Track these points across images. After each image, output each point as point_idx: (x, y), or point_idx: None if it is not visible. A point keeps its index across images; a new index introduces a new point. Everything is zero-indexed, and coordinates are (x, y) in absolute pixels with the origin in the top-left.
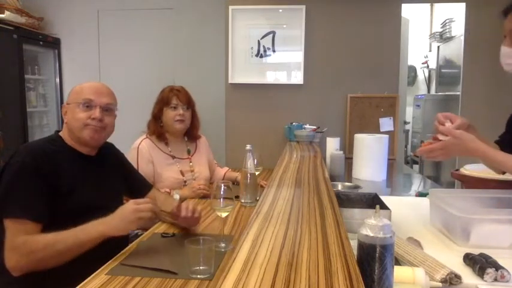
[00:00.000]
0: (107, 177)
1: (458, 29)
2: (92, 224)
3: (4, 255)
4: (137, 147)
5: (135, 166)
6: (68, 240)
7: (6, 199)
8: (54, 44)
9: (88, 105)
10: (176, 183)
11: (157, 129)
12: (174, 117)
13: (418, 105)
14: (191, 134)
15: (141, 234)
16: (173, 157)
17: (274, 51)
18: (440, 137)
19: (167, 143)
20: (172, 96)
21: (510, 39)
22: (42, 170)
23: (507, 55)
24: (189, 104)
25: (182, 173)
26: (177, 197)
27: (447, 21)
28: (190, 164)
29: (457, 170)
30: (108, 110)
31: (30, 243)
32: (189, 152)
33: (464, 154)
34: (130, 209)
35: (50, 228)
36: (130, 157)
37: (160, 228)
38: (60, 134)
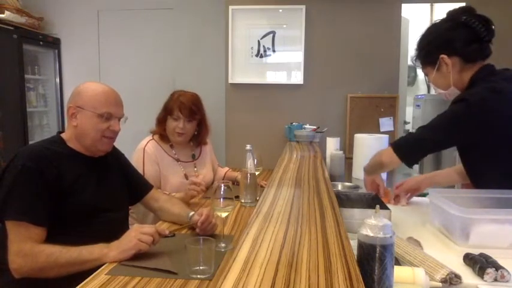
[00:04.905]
0: (108, 179)
1: None
2: (98, 245)
3: (8, 257)
4: (143, 149)
5: (140, 167)
6: (71, 254)
7: (7, 202)
8: (54, 44)
9: (108, 117)
10: (180, 186)
11: (160, 131)
12: (175, 128)
13: (418, 105)
14: (198, 140)
15: None
16: (178, 160)
17: (274, 51)
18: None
19: (172, 146)
20: (175, 107)
21: (429, 79)
22: (43, 173)
23: (435, 87)
24: (192, 117)
25: (186, 177)
26: None
27: None
28: (195, 169)
29: None
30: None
31: (35, 251)
32: (193, 156)
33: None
34: (132, 229)
35: (55, 231)
36: (136, 158)
37: (160, 228)
38: (63, 135)
